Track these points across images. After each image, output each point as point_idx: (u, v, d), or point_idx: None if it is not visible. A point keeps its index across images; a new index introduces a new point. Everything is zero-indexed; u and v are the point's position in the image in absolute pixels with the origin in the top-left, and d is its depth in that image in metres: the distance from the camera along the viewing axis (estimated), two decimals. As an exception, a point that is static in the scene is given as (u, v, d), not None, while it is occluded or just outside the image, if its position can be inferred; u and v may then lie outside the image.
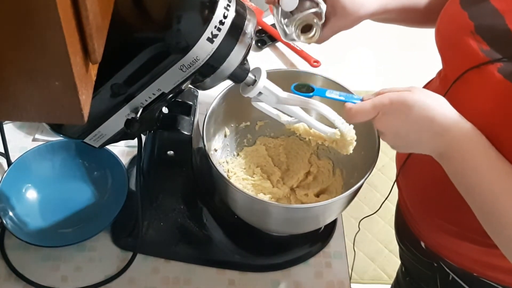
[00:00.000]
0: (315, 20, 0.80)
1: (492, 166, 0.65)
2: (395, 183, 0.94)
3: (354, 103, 0.69)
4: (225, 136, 0.97)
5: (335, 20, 0.83)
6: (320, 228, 0.91)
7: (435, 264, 0.98)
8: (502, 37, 0.67)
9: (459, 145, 0.64)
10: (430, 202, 0.89)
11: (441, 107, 0.64)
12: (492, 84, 0.67)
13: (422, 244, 0.98)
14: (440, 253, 0.94)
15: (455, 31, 0.73)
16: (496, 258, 0.79)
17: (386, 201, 0.96)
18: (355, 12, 0.82)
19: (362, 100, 0.69)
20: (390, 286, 1.38)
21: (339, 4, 0.81)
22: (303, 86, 0.74)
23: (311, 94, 0.73)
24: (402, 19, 0.92)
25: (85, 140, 0.75)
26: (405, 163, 0.89)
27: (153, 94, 0.69)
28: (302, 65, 1.26)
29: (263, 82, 0.73)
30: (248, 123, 1.00)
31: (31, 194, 0.97)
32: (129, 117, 0.71)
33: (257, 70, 0.73)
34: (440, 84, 0.84)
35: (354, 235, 1.15)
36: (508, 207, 0.63)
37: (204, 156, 0.83)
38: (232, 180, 0.96)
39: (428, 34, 0.91)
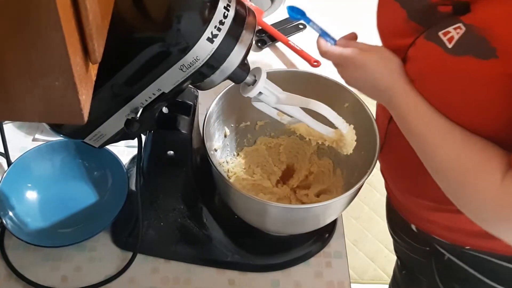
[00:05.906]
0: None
1: (420, 114, 0.72)
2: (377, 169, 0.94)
3: (327, 40, 0.80)
4: (225, 136, 0.97)
5: None
6: (320, 228, 0.91)
7: (428, 249, 0.98)
8: (430, 14, 0.71)
9: (398, 101, 0.73)
10: (407, 181, 0.91)
11: (388, 68, 0.73)
12: (421, 49, 0.72)
13: (413, 227, 0.98)
14: (431, 232, 0.94)
15: (391, 22, 0.79)
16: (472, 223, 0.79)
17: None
18: None
19: (335, 42, 0.80)
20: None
21: None
22: (296, 11, 0.86)
23: (298, 16, 0.85)
24: None
25: (85, 140, 0.75)
26: (382, 148, 0.90)
27: (153, 94, 0.69)
28: (302, 65, 1.25)
29: (263, 82, 0.73)
30: (248, 123, 1.00)
31: (31, 194, 0.97)
32: (129, 117, 0.71)
33: (257, 70, 0.73)
34: None
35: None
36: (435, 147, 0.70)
37: (204, 156, 0.83)
38: (232, 180, 0.96)
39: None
